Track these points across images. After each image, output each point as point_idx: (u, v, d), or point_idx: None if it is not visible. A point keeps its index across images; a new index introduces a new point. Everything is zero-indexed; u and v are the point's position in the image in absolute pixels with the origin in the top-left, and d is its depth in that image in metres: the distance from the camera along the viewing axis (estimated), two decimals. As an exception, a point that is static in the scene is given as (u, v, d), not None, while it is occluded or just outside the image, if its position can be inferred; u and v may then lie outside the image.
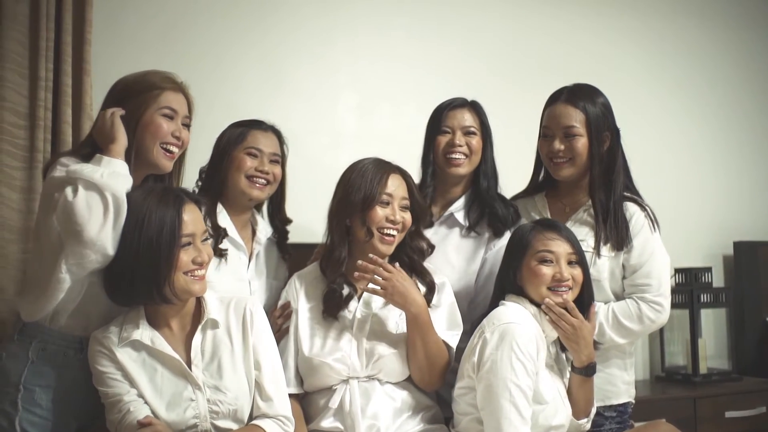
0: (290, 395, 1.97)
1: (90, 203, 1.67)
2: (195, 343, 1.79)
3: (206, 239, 1.80)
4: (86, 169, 1.71)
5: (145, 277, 1.70)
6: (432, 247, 2.16)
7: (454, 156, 2.25)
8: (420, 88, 3.17)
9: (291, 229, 2.33)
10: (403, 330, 2.01)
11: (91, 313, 1.84)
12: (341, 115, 3.16)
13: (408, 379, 2.03)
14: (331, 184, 2.10)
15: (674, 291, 3.42)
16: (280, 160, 2.20)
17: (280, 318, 2.08)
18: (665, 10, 3.84)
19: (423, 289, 2.05)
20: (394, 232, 2.02)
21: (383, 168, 2.05)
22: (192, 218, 1.75)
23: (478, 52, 3.40)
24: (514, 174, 2.41)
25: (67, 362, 1.84)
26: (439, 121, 2.29)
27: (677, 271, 3.47)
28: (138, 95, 1.87)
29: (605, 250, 2.14)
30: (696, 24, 3.92)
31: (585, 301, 2.01)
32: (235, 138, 2.15)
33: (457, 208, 2.30)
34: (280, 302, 2.12)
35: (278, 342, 2.03)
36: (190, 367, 1.77)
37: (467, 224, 2.29)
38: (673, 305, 3.38)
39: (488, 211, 2.27)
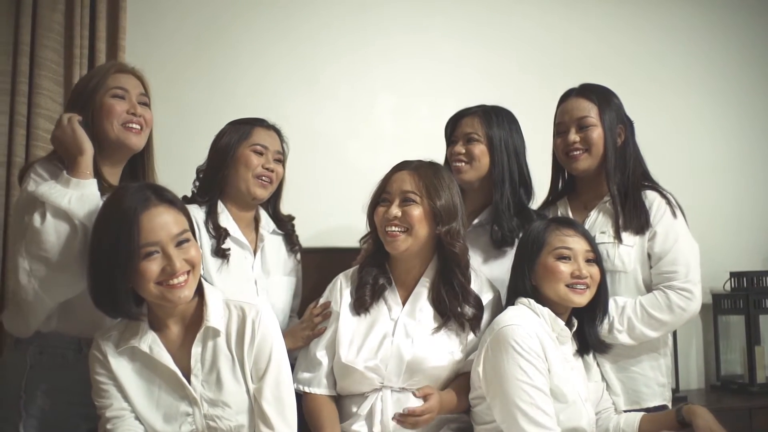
0: (325, 396, 1.94)
1: (58, 230, 1.66)
2: (194, 352, 1.65)
3: (184, 241, 1.61)
4: (54, 193, 1.68)
5: (107, 293, 1.58)
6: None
7: (454, 164, 2.22)
8: (458, 87, 3.11)
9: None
10: (448, 345, 1.95)
11: (77, 314, 1.80)
12: (378, 117, 3.11)
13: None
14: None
15: (730, 296, 3.34)
16: (282, 158, 2.19)
17: (318, 317, 2.02)
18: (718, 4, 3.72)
19: (472, 311, 1.96)
20: (395, 229, 1.94)
21: (394, 168, 2.02)
22: (160, 223, 1.57)
23: (515, 51, 3.33)
24: (548, 177, 2.35)
25: (66, 364, 1.83)
26: (448, 132, 2.30)
27: (733, 274, 3.37)
28: (86, 86, 1.86)
29: (626, 236, 2.10)
30: (758, 22, 3.78)
31: (601, 301, 1.97)
32: (240, 135, 2.12)
33: (481, 219, 2.23)
34: (322, 300, 2.06)
35: (310, 341, 2.00)
36: (189, 377, 1.65)
37: (493, 237, 2.19)
38: (729, 311, 3.32)
39: (498, 226, 2.16)
